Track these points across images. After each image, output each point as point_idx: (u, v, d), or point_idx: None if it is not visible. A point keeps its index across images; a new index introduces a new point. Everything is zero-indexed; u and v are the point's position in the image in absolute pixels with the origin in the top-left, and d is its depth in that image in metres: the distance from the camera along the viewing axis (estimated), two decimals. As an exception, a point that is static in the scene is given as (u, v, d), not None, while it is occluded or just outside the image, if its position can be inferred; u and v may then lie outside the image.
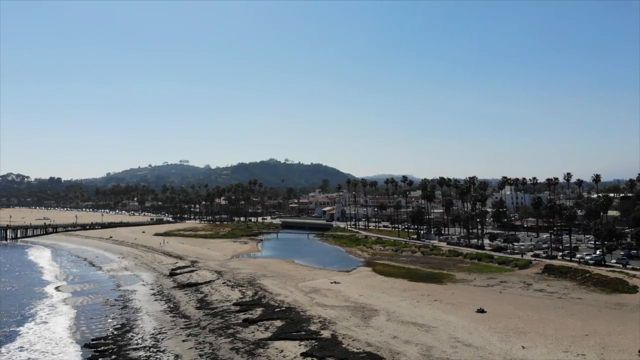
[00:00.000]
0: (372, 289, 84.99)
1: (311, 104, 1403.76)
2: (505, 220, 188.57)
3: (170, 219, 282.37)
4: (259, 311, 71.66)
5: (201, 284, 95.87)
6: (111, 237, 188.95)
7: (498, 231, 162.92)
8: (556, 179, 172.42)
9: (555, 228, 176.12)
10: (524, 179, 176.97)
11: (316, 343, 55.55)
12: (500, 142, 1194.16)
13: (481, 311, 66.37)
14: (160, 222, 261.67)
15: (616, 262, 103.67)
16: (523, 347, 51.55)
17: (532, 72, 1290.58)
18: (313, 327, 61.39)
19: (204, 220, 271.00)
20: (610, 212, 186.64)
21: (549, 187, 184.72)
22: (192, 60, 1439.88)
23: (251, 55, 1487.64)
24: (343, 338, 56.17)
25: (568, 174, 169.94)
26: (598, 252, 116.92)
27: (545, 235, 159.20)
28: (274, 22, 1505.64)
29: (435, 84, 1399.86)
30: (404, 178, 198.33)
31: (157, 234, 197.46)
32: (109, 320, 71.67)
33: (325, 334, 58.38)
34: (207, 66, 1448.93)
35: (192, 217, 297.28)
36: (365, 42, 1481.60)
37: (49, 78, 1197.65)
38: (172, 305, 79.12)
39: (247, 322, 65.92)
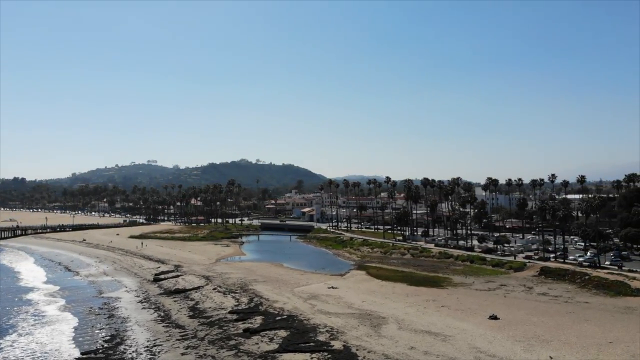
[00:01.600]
0: (373, 294, 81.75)
1: (282, 104, 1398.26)
2: (486, 221, 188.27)
3: (143, 221, 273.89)
4: (258, 320, 67.54)
5: (190, 290, 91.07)
6: (85, 240, 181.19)
7: (481, 232, 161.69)
8: (542, 180, 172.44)
9: (537, 229, 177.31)
10: (509, 179, 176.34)
11: (329, 356, 51.93)
12: (476, 143, 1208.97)
13: (494, 318, 63.71)
14: (134, 224, 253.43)
15: (610, 264, 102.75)
16: (550, 358, 48.93)
17: (514, 73, 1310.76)
18: (322, 338, 57.67)
19: (179, 222, 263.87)
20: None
21: (534, 188, 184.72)
22: (159, 57, 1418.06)
23: (220, 53, 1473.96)
24: (357, 350, 52.66)
25: (553, 175, 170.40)
26: (589, 253, 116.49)
27: (529, 237, 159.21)
28: (243, 19, 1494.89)
29: (410, 84, 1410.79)
30: (387, 179, 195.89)
31: (132, 237, 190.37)
32: (96, 331, 66.66)
33: (337, 345, 54.77)
34: (175, 63, 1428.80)
35: (166, 218, 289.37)
36: (340, 40, 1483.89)
37: (5, 69, 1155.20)
38: (162, 314, 74.30)
39: (249, 332, 61.84)
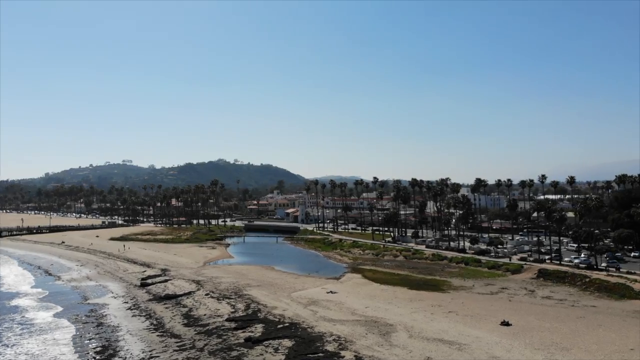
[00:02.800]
0: (374, 299, 78.93)
1: (261, 105, 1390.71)
2: (472, 221, 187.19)
3: (123, 222, 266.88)
4: (259, 328, 64.19)
5: (180, 295, 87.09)
6: (63, 242, 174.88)
7: (468, 233, 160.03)
8: (531, 180, 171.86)
9: (525, 229, 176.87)
10: (499, 180, 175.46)
11: (342, 367, 49.01)
12: (453, 144, 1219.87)
13: (506, 324, 61.43)
14: (113, 225, 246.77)
15: (607, 266, 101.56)
16: (576, 367, 46.72)
17: (488, 75, 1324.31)
18: (330, 348, 54.62)
19: (160, 224, 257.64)
20: (570, 214, 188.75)
21: (523, 189, 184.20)
22: (134, 56, 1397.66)
23: (198, 53, 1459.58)
24: (370, 360, 49.80)
25: (543, 175, 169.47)
26: (583, 254, 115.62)
27: (518, 237, 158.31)
28: (220, 19, 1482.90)
29: (390, 85, 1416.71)
30: (375, 179, 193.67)
31: (113, 239, 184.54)
32: (86, 342, 62.52)
33: (348, 355, 51.88)
34: (150, 62, 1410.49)
35: (145, 219, 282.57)
36: (319, 41, 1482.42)
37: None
38: (155, 322, 70.31)
39: (251, 342, 58.50)
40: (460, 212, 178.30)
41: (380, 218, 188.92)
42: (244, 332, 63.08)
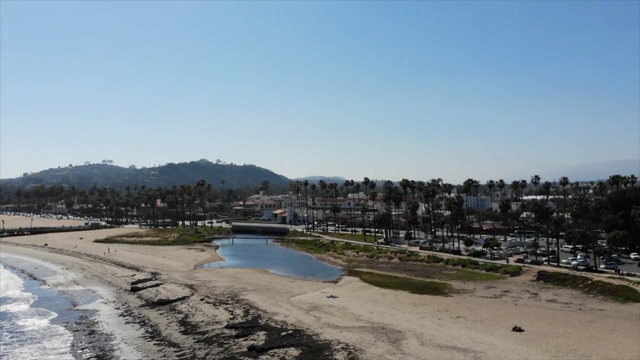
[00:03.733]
0: (377, 303, 76.66)
1: (244, 104, 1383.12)
2: (462, 222, 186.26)
3: (106, 224, 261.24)
4: (261, 336, 61.38)
5: (174, 301, 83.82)
6: (46, 244, 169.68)
7: (458, 234, 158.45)
8: (524, 181, 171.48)
9: (515, 230, 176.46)
10: (491, 181, 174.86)
11: (355, 378, 46.56)
12: (434, 145, 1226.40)
13: (518, 329, 59.57)
14: (96, 227, 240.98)
15: (606, 268, 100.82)
16: (600, 376, 44.93)
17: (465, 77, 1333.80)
18: (340, 357, 52.18)
19: (145, 225, 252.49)
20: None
21: (515, 190, 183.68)
22: (114, 53, 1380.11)
23: (179, 52, 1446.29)
24: (385, 370, 47.45)
25: (536, 176, 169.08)
26: (579, 256, 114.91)
27: (509, 239, 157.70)
28: (201, 17, 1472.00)
29: (372, 85, 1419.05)
30: (366, 180, 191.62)
31: (97, 241, 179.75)
32: (79, 351, 59.27)
33: (360, 365, 49.43)
34: (131, 60, 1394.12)
35: (129, 221, 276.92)
36: (301, 41, 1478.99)
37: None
38: (150, 330, 67.14)
39: (255, 351, 55.79)
40: (450, 213, 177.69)
41: (370, 219, 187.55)
42: (246, 340, 60.31)
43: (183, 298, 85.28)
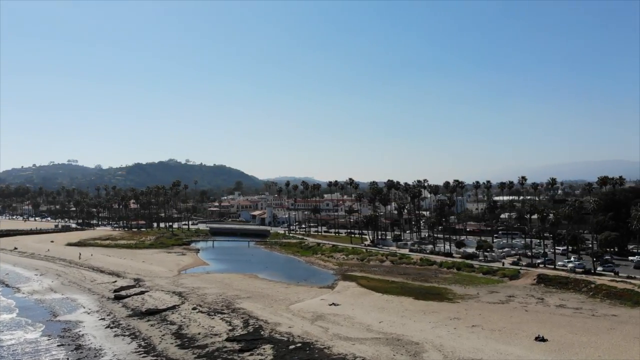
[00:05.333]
0: (384, 311, 72.83)
1: (213, 104, 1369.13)
2: (446, 223, 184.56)
3: (76, 226, 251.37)
4: (268, 350, 56.88)
5: (164, 310, 78.43)
6: (16, 248, 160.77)
7: (445, 236, 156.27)
8: (511, 182, 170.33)
9: (499, 232, 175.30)
10: (477, 182, 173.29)
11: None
12: (404, 146, 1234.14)
13: (541, 339, 56.53)
14: (67, 229, 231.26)
15: (604, 270, 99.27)
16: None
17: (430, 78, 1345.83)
18: (360, 373, 48.13)
19: (117, 227, 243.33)
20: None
21: (502, 191, 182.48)
22: (79, 53, 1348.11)
23: (149, 51, 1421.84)
24: (414, 389, 43.57)
25: (523, 177, 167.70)
26: (573, 258, 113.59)
27: (497, 240, 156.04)
28: (167, 18, 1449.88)
29: (340, 87, 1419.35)
30: (350, 180, 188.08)
31: (70, 244, 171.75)
32: (67, 371, 53.69)
33: (384, 382, 45.44)
34: (95, 59, 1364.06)
35: (100, 223, 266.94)
36: (269, 42, 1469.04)
37: None
38: (143, 343, 61.85)
39: (265, 368, 51.31)
40: (436, 214, 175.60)
41: (352, 220, 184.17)
42: (251, 354, 55.74)
43: (173, 307, 79.94)
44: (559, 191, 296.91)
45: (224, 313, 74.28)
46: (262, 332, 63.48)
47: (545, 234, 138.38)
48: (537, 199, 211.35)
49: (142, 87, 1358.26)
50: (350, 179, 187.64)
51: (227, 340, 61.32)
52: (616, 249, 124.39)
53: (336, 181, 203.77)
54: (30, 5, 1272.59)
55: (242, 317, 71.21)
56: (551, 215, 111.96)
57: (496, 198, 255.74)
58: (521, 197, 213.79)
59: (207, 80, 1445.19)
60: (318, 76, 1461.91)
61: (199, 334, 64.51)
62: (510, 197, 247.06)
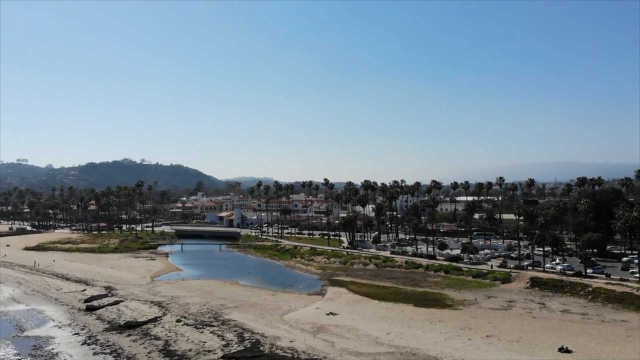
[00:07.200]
0: (386, 321, 68.31)
1: (168, 102, 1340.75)
2: (419, 223, 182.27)
3: (32, 229, 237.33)
4: (273, 368, 51.53)
5: (145, 323, 71.73)
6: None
7: (416, 236, 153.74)
8: (490, 183, 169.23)
9: (474, 233, 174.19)
10: (455, 182, 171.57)
11: None
12: (365, 145, 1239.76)
13: (566, 350, 53.25)
14: (23, 232, 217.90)
15: (594, 272, 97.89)
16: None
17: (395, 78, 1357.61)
18: (384, 395, 43.39)
19: (76, 230, 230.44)
20: (508, 216, 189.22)
21: (480, 192, 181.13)
22: (26, 44, 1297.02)
23: (99, 44, 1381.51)
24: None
25: (501, 178, 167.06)
26: (558, 259, 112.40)
27: (474, 242, 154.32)
28: (128, 15, 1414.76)
29: (302, 86, 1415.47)
30: (326, 181, 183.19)
31: (28, 248, 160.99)
32: (44, 400, 46.90)
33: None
34: (48, 55, 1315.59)
35: (57, 225, 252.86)
36: (230, 40, 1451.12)
37: None
38: (128, 363, 55.41)
39: (275, 391, 45.97)
40: (414, 215, 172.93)
41: (323, 221, 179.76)
42: (255, 374, 50.28)
43: (155, 319, 73.29)
44: (518, 191, 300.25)
45: (214, 326, 68.25)
46: (261, 348, 57.96)
47: (520, 235, 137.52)
48: (495, 199, 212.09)
49: (94, 83, 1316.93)
50: (325, 179, 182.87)
51: (224, 358, 55.65)
52: (596, 250, 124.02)
53: (310, 181, 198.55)
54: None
55: (235, 330, 65.41)
56: (541, 217, 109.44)
57: (458, 199, 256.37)
58: (481, 197, 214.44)
59: (162, 77, 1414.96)
60: (275, 81, 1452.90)
61: (190, 350, 58.45)
62: (471, 198, 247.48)
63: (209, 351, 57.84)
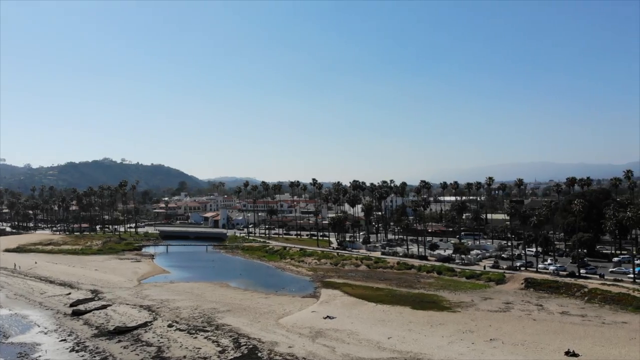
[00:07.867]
0: (386, 324, 66.76)
1: (148, 101, 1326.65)
2: (406, 223, 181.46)
3: (11, 229, 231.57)
4: (273, 376, 49.58)
5: (135, 328, 69.12)
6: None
7: (403, 236, 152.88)
8: (479, 183, 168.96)
9: (462, 233, 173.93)
10: (444, 182, 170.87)
11: None
12: (347, 146, 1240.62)
13: (573, 354, 52.19)
14: (2, 233, 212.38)
15: (587, 273, 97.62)
16: None
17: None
18: (392, 403, 41.77)
19: (58, 231, 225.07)
20: (496, 216, 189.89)
21: (469, 192, 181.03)
22: (3, 42, 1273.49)
23: (76, 43, 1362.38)
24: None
25: (490, 178, 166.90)
26: (550, 260, 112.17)
27: (463, 241, 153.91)
28: (110, 11, 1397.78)
29: (286, 84, 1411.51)
30: (314, 181, 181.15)
31: (8, 250, 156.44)
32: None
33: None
34: (27, 50, 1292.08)
35: (38, 226, 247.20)
36: (213, 36, 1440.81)
37: None
38: (121, 372, 53.01)
39: (278, 400, 44.05)
40: (403, 215, 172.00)
41: (311, 222, 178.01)
42: (255, 382, 48.31)
43: (145, 324, 70.75)
44: (500, 192, 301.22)
45: (207, 331, 66.02)
46: (259, 354, 55.95)
47: (508, 235, 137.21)
48: (478, 199, 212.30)
49: (72, 81, 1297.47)
50: (314, 179, 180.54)
51: (221, 365, 53.54)
52: (586, 250, 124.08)
53: (298, 181, 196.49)
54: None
55: (230, 336, 63.26)
56: (534, 217, 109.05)
57: (442, 198, 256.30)
58: (464, 197, 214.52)
59: (142, 76, 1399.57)
60: (257, 79, 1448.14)
61: (185, 357, 56.23)
62: (454, 198, 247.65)
63: (205, 358, 55.68)
